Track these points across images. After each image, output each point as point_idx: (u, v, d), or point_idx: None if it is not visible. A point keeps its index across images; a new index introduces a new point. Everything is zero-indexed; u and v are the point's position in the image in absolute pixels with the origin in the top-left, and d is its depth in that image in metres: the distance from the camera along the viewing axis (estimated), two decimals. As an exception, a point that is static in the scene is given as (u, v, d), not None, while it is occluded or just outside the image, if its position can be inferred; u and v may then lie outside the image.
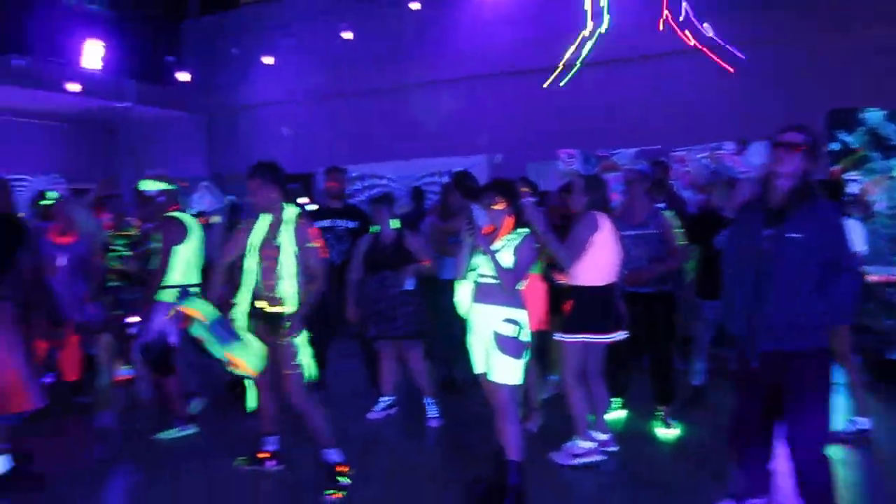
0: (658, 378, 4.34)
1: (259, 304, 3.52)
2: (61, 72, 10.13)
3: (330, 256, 5.04)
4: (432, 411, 4.53)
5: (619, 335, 3.81)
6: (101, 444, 4.22)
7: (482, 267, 3.21)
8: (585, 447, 3.74)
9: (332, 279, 4.60)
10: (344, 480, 3.44)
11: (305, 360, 3.49)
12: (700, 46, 7.48)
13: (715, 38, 7.42)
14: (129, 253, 4.78)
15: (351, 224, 5.31)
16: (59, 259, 4.91)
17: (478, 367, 3.29)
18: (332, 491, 3.39)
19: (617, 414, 4.44)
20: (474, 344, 3.29)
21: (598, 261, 3.70)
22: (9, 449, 3.48)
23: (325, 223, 5.22)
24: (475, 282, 3.25)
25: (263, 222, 3.55)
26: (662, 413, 4.29)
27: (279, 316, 3.47)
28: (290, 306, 3.46)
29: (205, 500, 3.52)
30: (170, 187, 4.27)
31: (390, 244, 4.52)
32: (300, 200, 4.13)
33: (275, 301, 3.48)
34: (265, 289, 3.50)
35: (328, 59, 10.71)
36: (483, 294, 3.22)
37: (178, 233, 4.15)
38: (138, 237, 4.77)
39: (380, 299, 4.49)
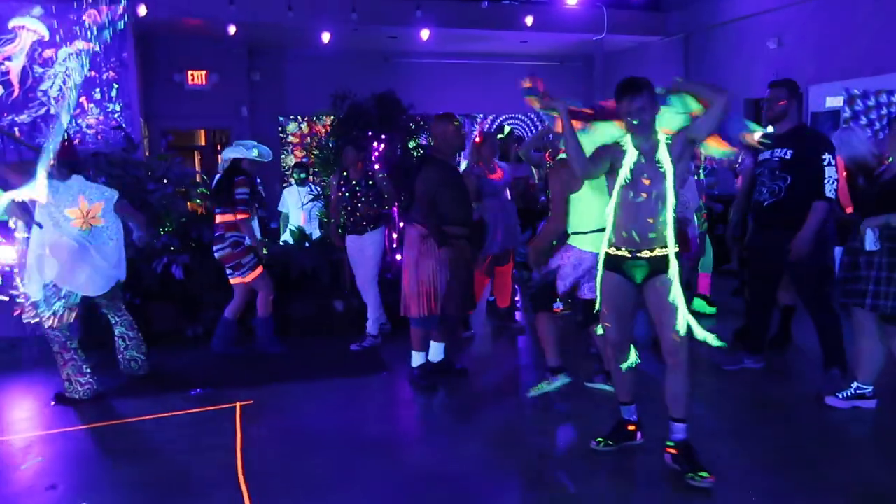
0: None
1: (620, 250, 3.12)
2: (541, 10, 10.78)
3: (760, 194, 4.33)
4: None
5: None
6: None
7: None
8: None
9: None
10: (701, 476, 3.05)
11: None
12: None
13: None
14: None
15: (788, 154, 4.23)
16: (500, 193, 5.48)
17: None
18: (691, 475, 3.05)
19: None
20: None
21: None
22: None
23: (765, 155, 4.34)
24: None
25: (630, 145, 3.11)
26: None
27: (662, 261, 3.03)
28: (670, 248, 3.04)
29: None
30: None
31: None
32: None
33: (651, 243, 3.04)
34: (641, 228, 3.04)
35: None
36: None
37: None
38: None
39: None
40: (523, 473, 3.37)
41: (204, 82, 10.06)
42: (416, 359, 4.52)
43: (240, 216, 5.04)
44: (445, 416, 4.28)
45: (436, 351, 4.61)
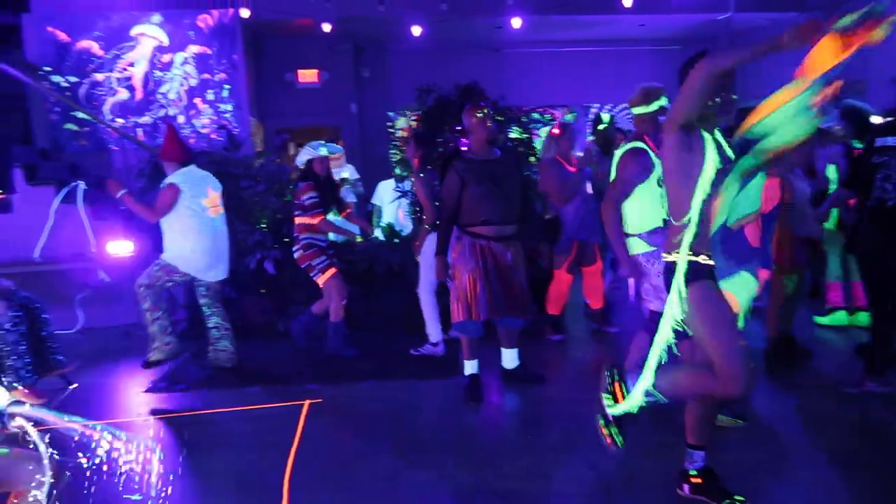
0: None
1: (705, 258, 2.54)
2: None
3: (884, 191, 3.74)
4: None
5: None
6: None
7: None
8: None
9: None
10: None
11: None
12: None
13: None
14: None
15: None
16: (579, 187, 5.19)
17: None
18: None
19: None
20: None
21: None
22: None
23: (888, 140, 3.73)
24: None
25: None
26: None
27: None
28: None
29: None
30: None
31: None
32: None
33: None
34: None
35: None
36: None
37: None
38: None
39: None
40: (580, 497, 3.10)
41: (315, 80, 10.33)
42: (466, 367, 4.31)
43: (314, 219, 5.06)
44: (509, 427, 4.04)
45: (507, 357, 4.40)
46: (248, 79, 8.54)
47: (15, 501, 2.34)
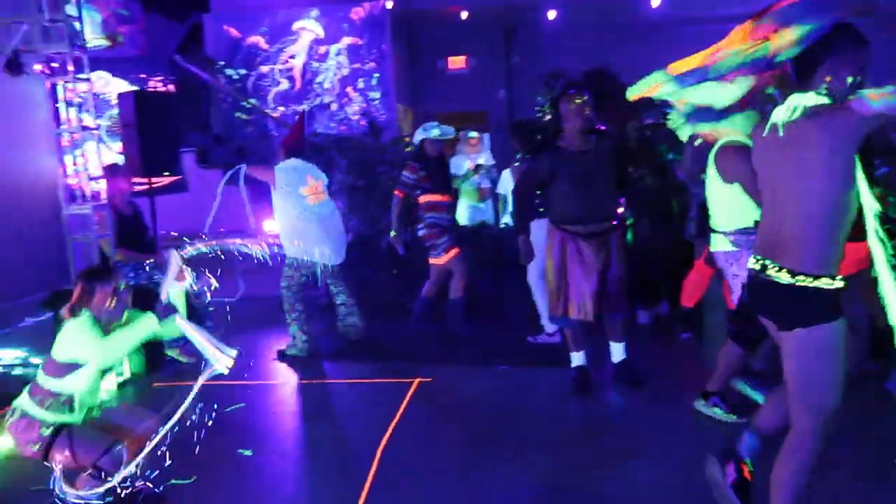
0: None
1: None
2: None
3: None
4: None
5: None
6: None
7: None
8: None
9: None
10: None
11: None
12: None
13: None
14: None
15: None
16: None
17: None
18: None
19: None
20: None
21: None
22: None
23: None
24: None
25: None
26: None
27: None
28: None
29: None
30: None
31: None
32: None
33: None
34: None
35: None
36: None
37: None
38: None
39: None
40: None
41: (463, 66, 10.50)
42: (572, 359, 4.20)
43: (433, 197, 5.22)
44: (600, 424, 3.87)
45: (614, 351, 4.24)
46: (396, 67, 8.87)
47: (129, 447, 2.70)
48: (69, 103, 4.64)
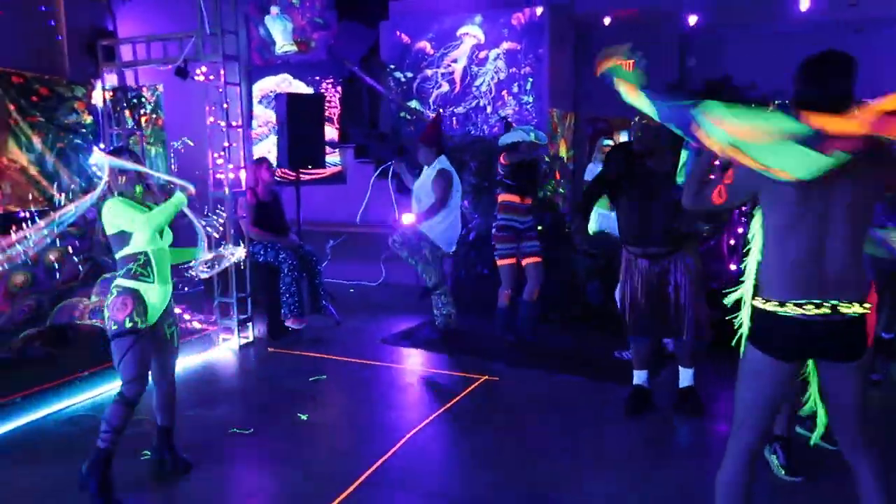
0: None
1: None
2: None
3: None
4: None
5: None
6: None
7: None
8: None
9: None
10: None
11: None
12: None
13: None
14: None
15: None
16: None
17: None
18: None
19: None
20: None
21: None
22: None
23: None
24: None
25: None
26: None
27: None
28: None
29: None
30: None
31: None
32: None
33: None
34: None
35: None
36: None
37: None
38: None
39: None
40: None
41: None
42: (634, 377, 4.14)
43: (510, 197, 5.36)
44: (631, 445, 3.78)
45: (682, 376, 4.11)
46: (552, 71, 9.01)
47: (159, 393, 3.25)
48: (219, 104, 5.41)
